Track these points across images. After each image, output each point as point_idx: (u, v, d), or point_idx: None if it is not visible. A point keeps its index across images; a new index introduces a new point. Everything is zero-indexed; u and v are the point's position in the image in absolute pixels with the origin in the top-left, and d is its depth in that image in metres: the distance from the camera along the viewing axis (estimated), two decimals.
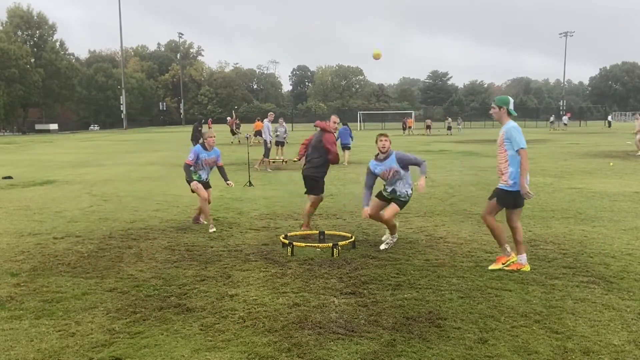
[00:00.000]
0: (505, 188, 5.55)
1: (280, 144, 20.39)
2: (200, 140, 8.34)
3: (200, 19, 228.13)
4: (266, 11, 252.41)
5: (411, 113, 71.54)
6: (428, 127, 50.66)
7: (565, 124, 57.32)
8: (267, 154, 17.73)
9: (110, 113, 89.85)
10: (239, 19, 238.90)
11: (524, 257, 5.68)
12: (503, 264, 5.69)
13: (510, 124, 5.61)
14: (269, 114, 19.56)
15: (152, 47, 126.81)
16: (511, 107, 5.69)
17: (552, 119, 59.40)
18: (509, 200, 5.57)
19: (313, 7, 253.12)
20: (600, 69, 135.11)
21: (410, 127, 50.05)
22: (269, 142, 18.00)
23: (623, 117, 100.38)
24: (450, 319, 4.29)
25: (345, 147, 18.79)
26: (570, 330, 4.06)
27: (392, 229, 6.76)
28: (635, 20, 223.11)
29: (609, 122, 60.84)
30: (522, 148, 5.42)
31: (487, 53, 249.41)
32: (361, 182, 13.33)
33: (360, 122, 66.43)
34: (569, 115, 69.95)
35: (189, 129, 62.60)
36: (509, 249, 5.75)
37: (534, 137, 40.14)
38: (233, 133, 34.43)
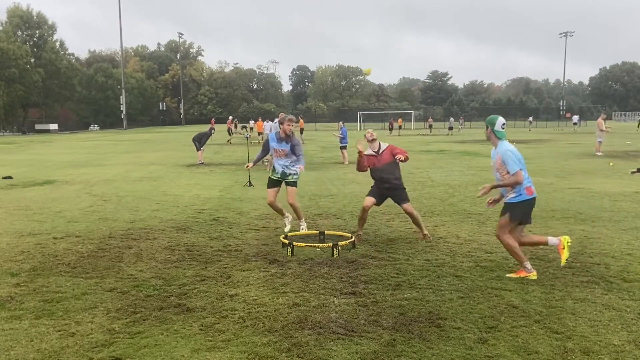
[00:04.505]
0: (512, 201, 5.33)
1: None
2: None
3: (200, 19, 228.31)
4: (266, 11, 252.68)
5: (411, 113, 71.61)
6: (430, 125, 50.80)
7: (575, 124, 56.88)
8: None
9: (110, 113, 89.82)
10: (239, 19, 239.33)
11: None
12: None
13: (504, 146, 5.29)
14: (280, 115, 19.90)
15: (152, 47, 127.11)
16: (497, 128, 5.34)
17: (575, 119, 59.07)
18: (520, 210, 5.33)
19: (313, 7, 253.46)
20: (600, 69, 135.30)
21: (392, 128, 49.55)
22: None
23: (623, 117, 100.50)
24: (450, 319, 4.29)
25: (345, 147, 18.97)
26: (570, 330, 4.06)
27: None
28: (635, 20, 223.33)
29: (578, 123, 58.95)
30: (515, 171, 5.18)
31: (487, 53, 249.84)
32: (360, 182, 13.41)
33: (360, 122, 66.45)
34: (568, 115, 70.05)
35: (189, 129, 62.74)
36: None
37: (534, 137, 40.13)
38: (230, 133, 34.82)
